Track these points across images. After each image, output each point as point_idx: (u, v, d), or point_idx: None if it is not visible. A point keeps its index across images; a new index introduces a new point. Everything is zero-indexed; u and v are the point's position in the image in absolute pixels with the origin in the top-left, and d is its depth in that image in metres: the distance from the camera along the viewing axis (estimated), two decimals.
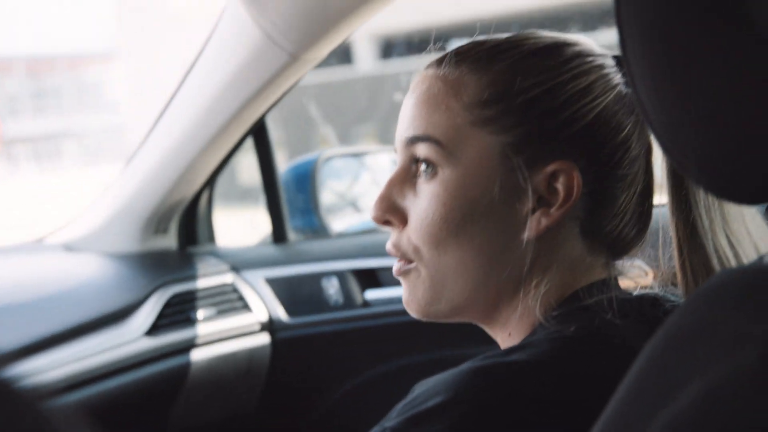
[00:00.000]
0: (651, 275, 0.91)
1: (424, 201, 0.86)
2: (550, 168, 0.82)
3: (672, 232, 0.81)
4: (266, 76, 1.63)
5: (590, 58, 0.85)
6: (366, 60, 10.54)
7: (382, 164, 2.29)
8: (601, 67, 0.85)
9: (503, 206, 0.83)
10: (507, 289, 0.86)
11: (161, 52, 14.64)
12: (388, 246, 0.91)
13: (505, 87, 0.83)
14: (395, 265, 0.90)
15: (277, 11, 1.47)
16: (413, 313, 0.90)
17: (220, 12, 1.64)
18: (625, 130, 0.84)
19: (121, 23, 17.92)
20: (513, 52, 0.85)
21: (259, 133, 1.99)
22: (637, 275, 0.90)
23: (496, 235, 0.84)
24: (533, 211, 0.83)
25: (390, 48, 10.86)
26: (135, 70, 17.34)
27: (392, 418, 0.75)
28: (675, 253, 0.81)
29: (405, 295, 0.90)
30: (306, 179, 2.09)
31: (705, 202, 0.78)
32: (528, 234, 0.83)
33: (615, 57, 0.87)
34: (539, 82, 0.83)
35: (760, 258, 0.75)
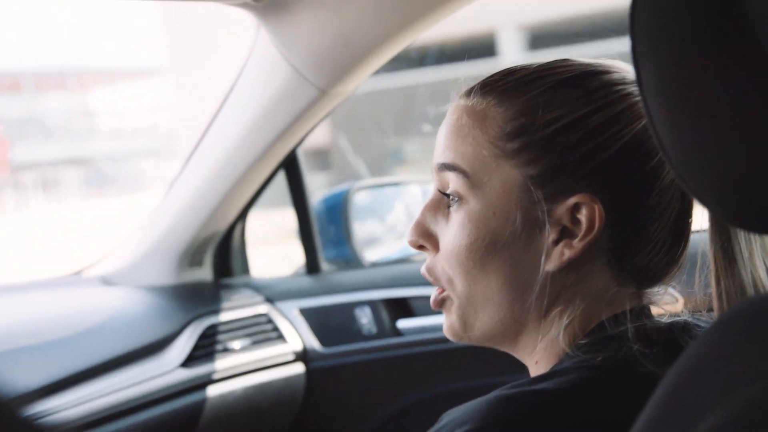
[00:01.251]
0: (681, 302, 0.91)
1: (452, 230, 0.88)
2: (572, 200, 0.83)
3: (711, 260, 0.80)
4: (296, 111, 1.65)
5: (619, 87, 0.85)
6: (512, 52, 10.43)
7: (414, 194, 2.29)
8: (630, 95, 0.84)
9: (526, 238, 0.84)
10: (532, 319, 0.87)
11: (206, 69, 14.74)
12: (423, 269, 0.94)
13: (529, 120, 0.84)
14: (432, 295, 0.93)
15: (306, 48, 1.50)
16: (451, 338, 0.92)
17: (250, 48, 1.67)
18: (656, 159, 0.83)
19: (167, 39, 18.05)
20: (539, 83, 0.85)
21: (290, 165, 2.02)
22: (668, 303, 0.90)
23: (520, 265, 0.85)
24: (556, 242, 0.84)
25: (538, 40, 10.75)
26: (179, 86, 17.43)
27: None
28: (712, 281, 0.80)
29: (444, 323, 0.93)
30: (338, 210, 2.10)
31: (746, 233, 0.77)
32: (551, 266, 0.84)
33: None
34: (562, 115, 0.83)
35: None
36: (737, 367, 0.54)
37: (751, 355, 0.54)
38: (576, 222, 0.83)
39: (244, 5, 1.41)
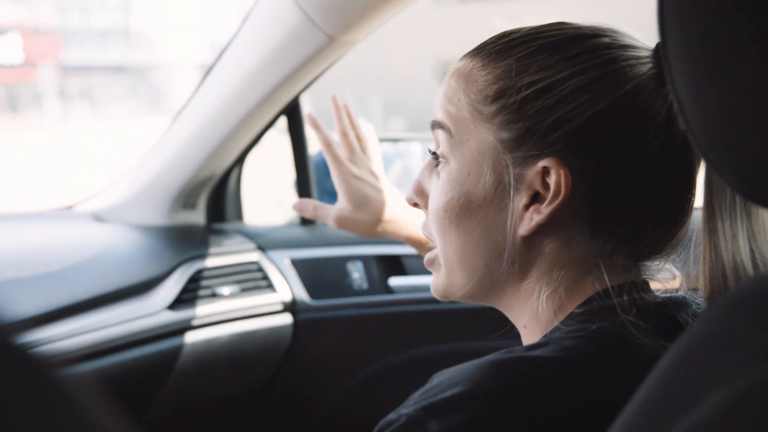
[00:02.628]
0: (678, 279, 0.90)
1: (436, 188, 0.91)
2: (540, 164, 0.83)
3: (702, 241, 0.79)
4: (303, 57, 1.62)
5: (605, 52, 0.83)
6: None
7: (415, 152, 2.28)
8: (614, 61, 0.83)
9: (499, 201, 0.85)
10: (511, 282, 0.88)
11: None
12: (421, 227, 0.99)
13: (505, 84, 0.85)
14: (427, 255, 0.97)
15: None
16: (435, 295, 0.96)
17: None
18: (637, 125, 0.82)
19: None
20: (523, 47, 0.86)
21: (292, 113, 1.99)
22: (666, 278, 0.89)
23: (493, 227, 0.86)
24: (527, 207, 0.84)
25: None
26: None
27: (409, 406, 0.74)
28: (701, 261, 0.80)
29: (431, 282, 0.96)
30: None
31: (732, 214, 0.76)
32: (522, 229, 0.84)
33: (658, 44, 0.85)
34: (538, 80, 0.83)
35: None
36: (745, 348, 0.53)
37: (760, 336, 0.53)
38: (547, 187, 0.83)
39: None
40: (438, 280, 0.94)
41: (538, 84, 0.83)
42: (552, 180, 0.82)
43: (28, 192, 11.01)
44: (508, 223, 0.85)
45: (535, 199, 0.84)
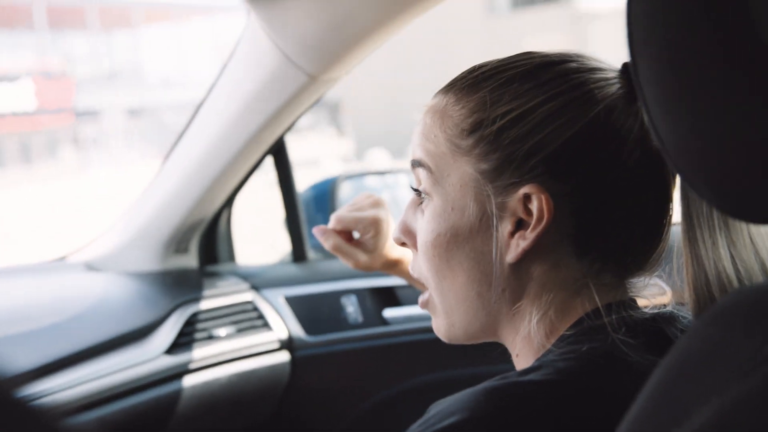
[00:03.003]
0: (668, 294, 0.91)
1: (422, 226, 0.91)
2: (522, 192, 0.84)
3: (683, 252, 0.80)
4: (285, 97, 1.64)
5: (574, 76, 0.85)
6: None
7: (402, 183, 2.29)
8: (585, 84, 0.84)
9: (485, 231, 0.86)
10: (504, 311, 0.88)
11: None
12: (409, 267, 0.99)
13: (479, 116, 0.86)
14: (420, 298, 0.98)
15: (296, 33, 1.49)
16: (442, 339, 0.96)
17: (240, 33, 1.66)
18: (612, 145, 0.83)
19: None
20: (494, 79, 0.87)
21: (278, 153, 2.01)
22: (653, 294, 0.90)
23: (481, 258, 0.87)
24: (513, 234, 0.85)
25: None
26: None
27: None
28: (684, 272, 0.81)
29: (433, 325, 0.97)
30: (325, 198, 2.10)
31: (710, 222, 0.77)
32: (510, 257, 0.85)
33: (624, 65, 0.87)
34: (511, 110, 0.84)
35: None
36: (733, 359, 0.54)
37: (747, 346, 0.54)
38: (530, 213, 0.84)
39: None
40: (438, 322, 0.94)
41: (511, 113, 0.84)
42: (534, 206, 0.83)
43: (43, 244, 10.95)
44: (495, 252, 0.86)
45: (520, 225, 0.85)
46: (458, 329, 0.92)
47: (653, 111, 0.61)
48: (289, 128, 1.84)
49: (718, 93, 0.56)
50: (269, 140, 1.82)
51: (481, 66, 0.90)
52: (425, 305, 0.96)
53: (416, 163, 0.91)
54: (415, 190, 0.93)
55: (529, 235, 0.84)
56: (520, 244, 0.84)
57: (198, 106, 1.81)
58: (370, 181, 2.26)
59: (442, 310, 0.92)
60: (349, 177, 2.15)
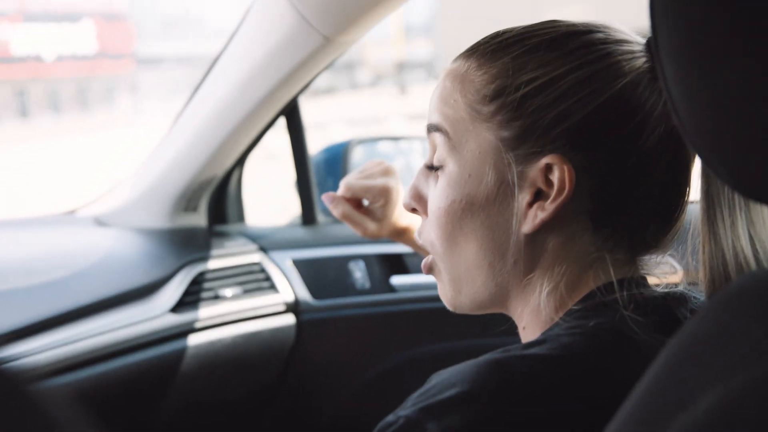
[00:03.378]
0: (680, 273, 0.90)
1: (434, 193, 0.90)
2: (543, 162, 0.82)
3: (701, 230, 0.79)
4: (300, 58, 1.63)
5: (600, 47, 0.84)
6: None
7: (415, 150, 2.28)
8: (609, 55, 0.83)
9: (502, 200, 0.85)
10: (515, 283, 0.87)
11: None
12: (415, 234, 0.97)
13: (503, 83, 0.84)
14: (423, 261, 0.95)
15: None
16: (447, 306, 0.94)
17: None
18: (636, 119, 0.82)
19: None
20: (518, 46, 0.85)
21: (291, 114, 2.00)
22: (665, 272, 0.89)
23: (496, 228, 0.85)
24: (531, 204, 0.84)
25: None
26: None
27: (407, 407, 0.74)
28: (700, 252, 0.80)
29: (438, 289, 0.95)
30: (337, 162, 2.09)
31: (730, 202, 0.76)
32: (526, 228, 0.84)
33: (649, 39, 0.85)
34: (535, 77, 0.83)
35: None
36: (741, 345, 0.53)
37: (756, 333, 0.53)
38: (550, 184, 0.83)
39: None
40: (444, 288, 0.93)
41: (536, 81, 0.83)
42: (555, 176, 0.82)
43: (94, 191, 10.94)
44: (513, 222, 0.84)
45: (538, 196, 0.83)
46: (465, 297, 0.90)
47: (672, 88, 0.60)
48: (303, 89, 1.83)
49: (739, 72, 0.55)
50: (282, 101, 1.81)
51: (504, 32, 0.88)
52: (429, 270, 0.94)
53: (433, 128, 0.89)
54: (437, 152, 0.90)
55: (548, 207, 0.82)
56: (538, 215, 0.83)
57: (212, 64, 1.80)
58: (384, 147, 2.25)
59: (448, 277, 0.91)
60: (362, 141, 2.13)
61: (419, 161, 2.14)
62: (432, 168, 0.91)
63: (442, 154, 0.88)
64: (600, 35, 0.85)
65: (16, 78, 28.92)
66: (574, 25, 0.86)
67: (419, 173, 0.95)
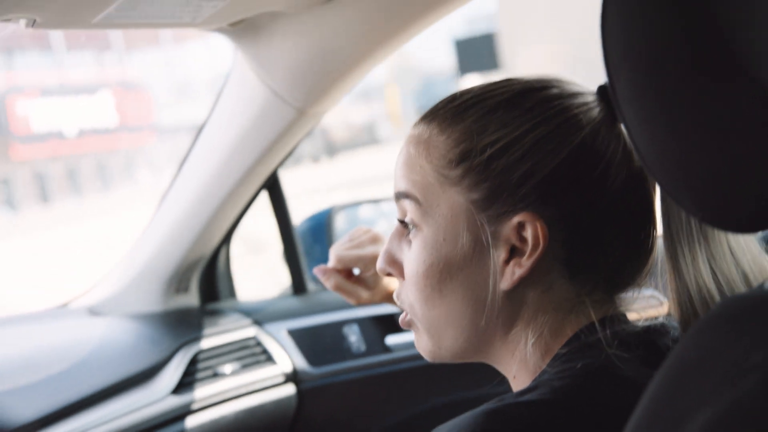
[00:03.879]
0: (665, 305, 0.91)
1: (411, 257, 0.90)
2: (515, 220, 0.84)
3: (666, 267, 0.81)
4: (276, 132, 1.65)
5: (555, 103, 0.85)
6: None
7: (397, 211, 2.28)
8: (567, 109, 0.85)
9: (478, 260, 0.86)
10: (498, 336, 0.88)
11: None
12: (394, 295, 0.97)
13: (467, 146, 0.86)
14: (400, 317, 0.96)
15: (282, 69, 1.50)
16: (426, 357, 0.95)
17: (228, 72, 1.67)
18: (599, 168, 0.83)
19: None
20: (477, 108, 0.87)
21: (272, 186, 2.02)
22: (643, 307, 0.90)
23: (476, 287, 0.87)
24: (507, 261, 0.85)
25: None
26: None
27: None
28: (669, 288, 0.82)
29: (415, 343, 0.95)
30: (322, 230, 2.10)
31: (689, 237, 0.78)
32: (504, 284, 0.85)
33: (600, 87, 0.88)
34: (498, 139, 0.84)
35: (761, 285, 0.76)
36: (722, 366, 0.55)
37: (735, 354, 0.54)
38: (523, 240, 0.84)
39: (219, 30, 1.41)
40: (423, 344, 0.93)
41: (499, 142, 0.84)
42: (529, 233, 0.83)
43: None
44: (490, 280, 0.86)
45: (513, 252, 0.85)
46: (445, 351, 0.91)
47: (633, 127, 0.62)
48: (282, 162, 1.86)
49: (695, 105, 0.57)
50: (263, 175, 1.83)
51: (461, 94, 0.90)
52: (408, 325, 0.95)
53: (402, 195, 0.90)
54: (402, 221, 0.92)
55: (525, 263, 0.84)
56: (515, 272, 0.84)
57: (191, 143, 1.83)
58: (366, 211, 2.27)
59: (428, 335, 0.92)
60: (344, 207, 2.15)
61: None
62: (406, 227, 0.91)
63: (414, 219, 0.89)
64: (555, 91, 0.87)
65: (37, 158, 28.03)
66: (528, 81, 0.89)
67: (392, 237, 0.95)
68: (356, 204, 2.23)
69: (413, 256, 0.90)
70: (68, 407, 1.59)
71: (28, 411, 1.55)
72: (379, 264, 0.96)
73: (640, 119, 0.61)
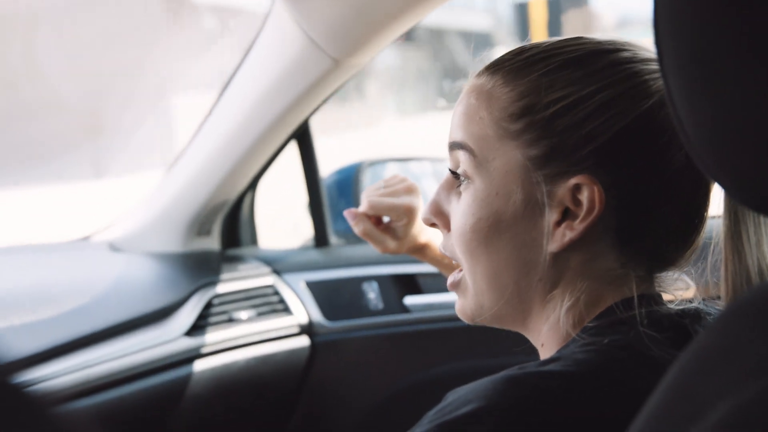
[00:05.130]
0: (693, 289, 0.90)
1: (460, 209, 0.88)
2: (573, 182, 0.82)
3: (721, 245, 0.79)
4: (309, 81, 1.64)
5: (627, 66, 0.83)
6: None
7: (426, 171, 2.28)
8: (637, 74, 0.83)
9: (529, 219, 0.84)
10: (537, 300, 0.87)
11: None
12: (440, 247, 0.96)
13: (531, 101, 0.84)
14: (449, 278, 0.94)
15: (322, 16, 1.48)
16: (463, 319, 0.94)
17: (264, 16, 1.65)
18: (663, 140, 0.81)
19: None
20: (545, 63, 0.85)
21: (302, 137, 2.00)
22: (679, 288, 0.89)
23: (523, 246, 0.85)
24: (559, 223, 0.83)
25: None
26: None
27: (424, 424, 0.75)
28: (722, 268, 0.79)
29: (456, 304, 0.94)
30: (349, 184, 2.09)
31: (755, 219, 0.76)
32: (553, 246, 0.83)
33: None
34: (564, 96, 0.82)
35: None
36: (750, 357, 0.53)
37: (764, 345, 0.53)
38: (578, 203, 0.82)
39: None
40: (465, 303, 0.92)
41: (565, 100, 0.82)
42: (584, 196, 0.81)
43: None
44: (543, 241, 0.84)
45: (566, 215, 0.83)
46: (486, 312, 0.90)
47: (677, 100, 0.60)
48: (313, 112, 1.84)
49: (742, 82, 0.55)
50: (293, 124, 1.82)
51: (530, 48, 0.88)
52: (456, 286, 0.93)
53: (457, 145, 0.88)
54: (453, 172, 0.90)
55: (577, 226, 0.82)
56: (566, 235, 0.83)
57: (223, 88, 1.81)
58: (394, 168, 2.25)
59: (473, 292, 0.90)
60: (373, 163, 2.14)
61: (430, 183, 2.15)
62: (457, 178, 0.89)
63: (467, 171, 0.87)
64: (627, 54, 0.85)
65: None
66: (600, 42, 0.86)
67: (440, 188, 0.93)
68: (385, 160, 2.21)
69: (462, 208, 0.88)
70: (83, 338, 1.60)
71: (44, 339, 1.55)
72: (425, 214, 0.95)
73: (684, 92, 0.59)
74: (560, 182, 0.82)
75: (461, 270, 0.92)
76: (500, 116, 0.85)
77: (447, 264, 1.34)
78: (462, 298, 0.93)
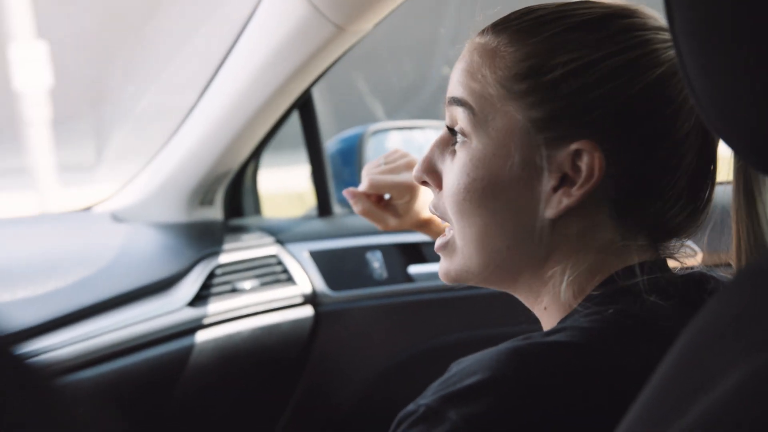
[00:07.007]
0: (699, 256, 0.89)
1: (454, 168, 0.86)
2: (573, 147, 0.80)
3: (732, 212, 0.77)
4: (312, 49, 1.62)
5: (638, 33, 0.82)
6: None
7: (430, 140, 2.26)
8: (649, 42, 0.81)
9: (526, 182, 0.82)
10: (531, 265, 0.85)
11: None
12: (429, 205, 0.93)
13: (538, 62, 0.82)
14: (437, 240, 0.92)
15: None
16: (444, 281, 0.92)
17: None
18: (669, 110, 0.80)
19: None
20: (555, 25, 0.83)
21: (305, 106, 1.99)
22: (684, 255, 0.87)
23: (518, 210, 0.83)
24: (556, 189, 0.82)
25: None
26: None
27: (428, 396, 0.74)
28: (733, 237, 0.78)
29: (441, 267, 0.92)
30: (352, 153, 2.08)
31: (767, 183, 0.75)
32: (549, 212, 0.82)
33: None
34: (572, 59, 0.81)
35: None
36: (762, 324, 0.52)
37: None
38: (577, 170, 0.81)
39: None
40: (450, 265, 0.89)
41: (573, 63, 0.80)
42: (584, 163, 0.80)
43: None
44: (539, 206, 0.82)
45: (563, 181, 0.82)
46: (473, 275, 0.88)
47: (689, 65, 0.59)
48: (316, 81, 1.82)
49: (757, 47, 0.53)
50: (295, 92, 1.80)
51: (538, 8, 0.86)
52: (443, 247, 0.90)
53: (456, 101, 0.86)
54: (450, 129, 0.88)
55: (575, 193, 0.81)
56: (563, 201, 0.81)
57: (224, 56, 1.79)
58: (398, 137, 2.23)
59: (461, 253, 0.88)
60: (378, 131, 2.12)
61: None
62: (454, 135, 0.87)
63: (465, 129, 0.85)
64: (638, 21, 0.83)
65: None
66: (610, 6, 0.84)
67: (434, 145, 0.91)
68: (389, 128, 2.19)
69: (457, 167, 0.86)
70: (86, 309, 1.60)
71: (47, 310, 1.55)
72: (416, 172, 0.92)
73: (698, 60, 0.58)
74: (561, 147, 0.81)
75: (450, 230, 0.90)
76: (504, 75, 0.83)
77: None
78: (447, 260, 0.90)
